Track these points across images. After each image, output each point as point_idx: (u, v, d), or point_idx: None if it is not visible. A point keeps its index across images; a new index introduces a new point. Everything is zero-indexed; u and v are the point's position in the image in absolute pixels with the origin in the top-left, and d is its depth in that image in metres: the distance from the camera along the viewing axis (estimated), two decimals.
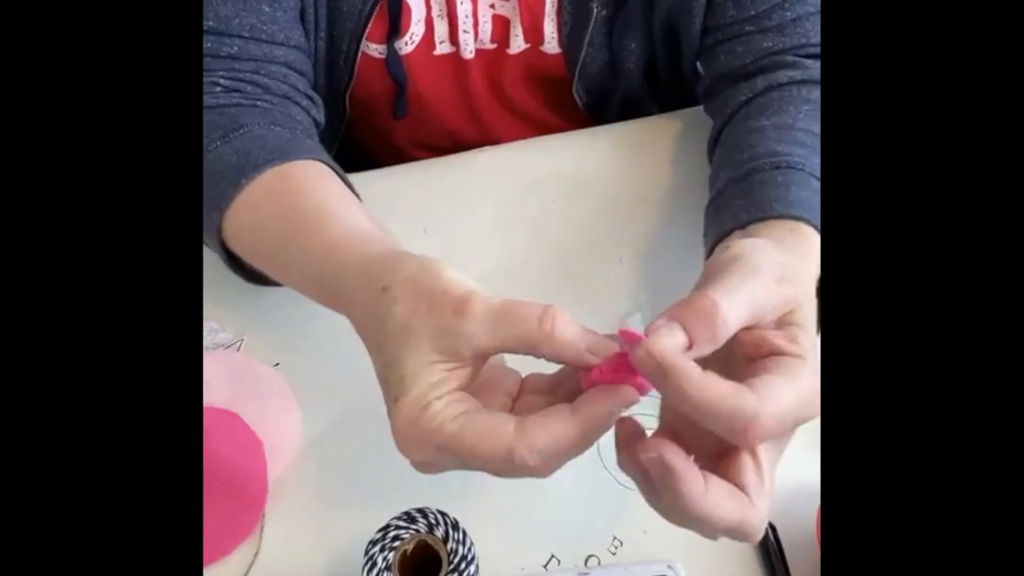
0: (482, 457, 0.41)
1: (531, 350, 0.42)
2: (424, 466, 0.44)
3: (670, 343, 0.39)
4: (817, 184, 0.56)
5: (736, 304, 0.40)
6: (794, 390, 0.39)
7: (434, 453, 0.42)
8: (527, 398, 0.46)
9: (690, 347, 0.39)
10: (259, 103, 0.64)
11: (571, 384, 0.44)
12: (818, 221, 0.52)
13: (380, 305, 0.44)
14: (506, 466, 0.41)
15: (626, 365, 0.42)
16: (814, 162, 0.57)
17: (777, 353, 0.41)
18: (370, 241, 0.51)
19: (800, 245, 0.51)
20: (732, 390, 0.38)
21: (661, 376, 0.39)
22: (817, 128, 0.60)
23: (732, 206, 0.56)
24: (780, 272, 0.42)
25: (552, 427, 0.41)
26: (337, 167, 0.61)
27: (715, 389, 0.38)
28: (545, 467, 0.42)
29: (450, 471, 0.44)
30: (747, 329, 0.41)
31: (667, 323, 0.39)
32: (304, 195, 0.56)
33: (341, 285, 0.49)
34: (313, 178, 0.57)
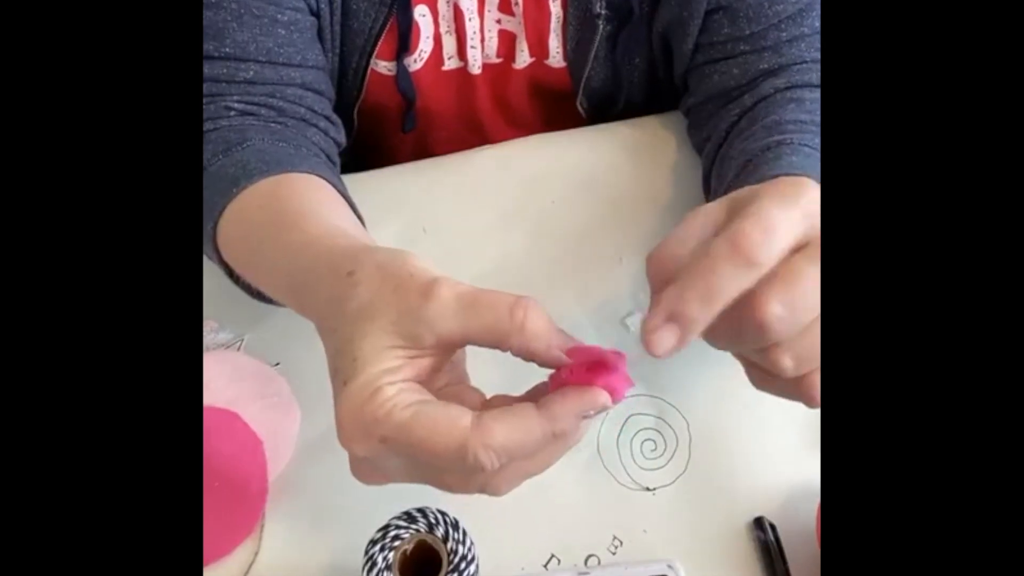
0: (432, 452, 0.38)
1: (498, 341, 0.40)
2: (364, 468, 0.41)
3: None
4: (809, 150, 0.57)
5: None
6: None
7: (378, 446, 0.39)
8: None
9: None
10: (272, 125, 0.64)
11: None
12: (810, 173, 0.52)
13: (342, 289, 0.42)
14: (457, 465, 0.38)
15: (600, 367, 0.40)
16: (804, 138, 0.58)
17: None
18: (343, 236, 0.50)
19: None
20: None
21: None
22: (803, 116, 0.61)
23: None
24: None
25: (513, 423, 0.38)
26: (338, 183, 0.60)
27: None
28: (502, 478, 0.39)
29: (394, 482, 0.41)
30: None
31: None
32: (291, 200, 0.55)
33: (308, 278, 0.46)
34: (304, 187, 0.57)
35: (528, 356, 0.40)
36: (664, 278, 0.41)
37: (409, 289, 0.40)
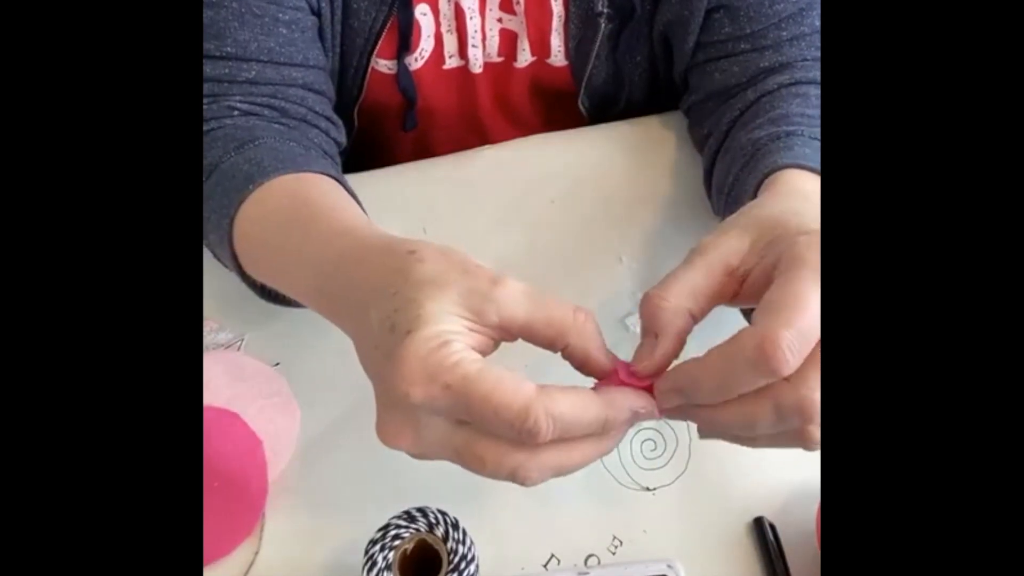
0: (494, 407, 0.38)
1: (557, 336, 0.41)
2: (397, 423, 0.40)
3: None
4: (817, 142, 0.57)
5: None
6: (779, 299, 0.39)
7: (439, 392, 0.38)
8: None
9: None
10: (275, 125, 0.64)
11: None
12: (816, 164, 0.53)
13: (403, 263, 0.42)
14: (512, 428, 0.38)
15: (642, 383, 0.42)
16: (814, 132, 0.58)
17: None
18: (379, 228, 0.50)
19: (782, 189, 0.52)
20: (728, 344, 0.39)
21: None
22: (810, 111, 0.61)
23: (746, 185, 0.57)
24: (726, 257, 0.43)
25: (575, 397, 0.40)
26: (348, 184, 0.60)
27: (714, 357, 0.40)
28: (538, 463, 0.40)
29: (417, 450, 0.41)
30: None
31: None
32: (312, 194, 0.55)
33: (347, 260, 0.46)
34: (323, 187, 0.57)
35: (581, 357, 0.42)
36: (658, 326, 0.42)
37: (478, 274, 0.41)
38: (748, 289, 0.43)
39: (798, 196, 0.49)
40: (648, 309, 0.43)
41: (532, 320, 0.41)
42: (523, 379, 0.39)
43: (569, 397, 0.39)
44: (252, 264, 0.57)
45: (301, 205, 0.54)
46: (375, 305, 0.42)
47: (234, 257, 0.57)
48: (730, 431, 0.42)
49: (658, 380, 0.42)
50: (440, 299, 0.40)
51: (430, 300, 0.40)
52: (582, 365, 0.43)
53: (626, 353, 0.44)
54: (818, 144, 0.57)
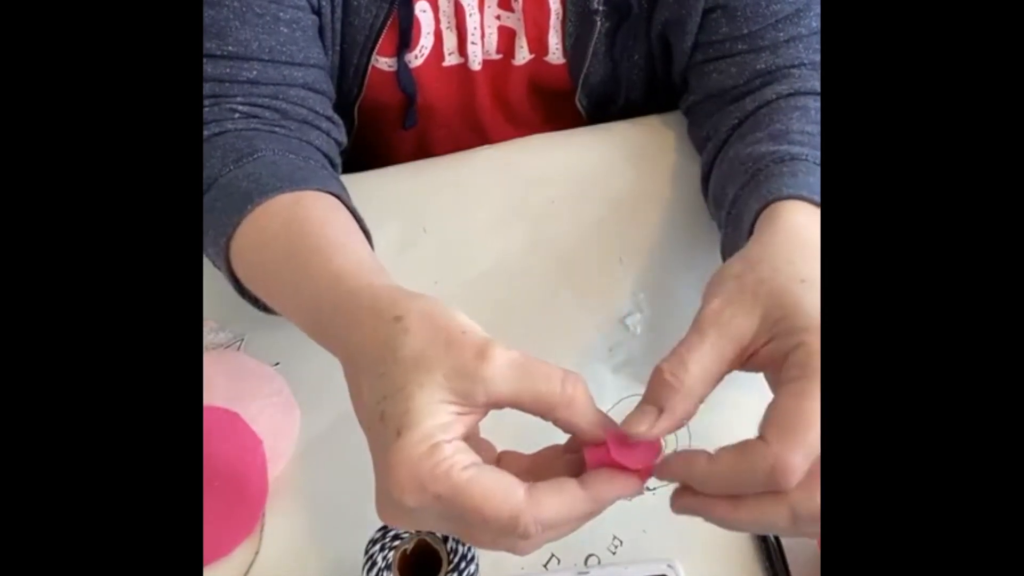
0: (485, 517, 0.39)
1: (546, 411, 0.41)
2: (404, 516, 0.41)
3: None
4: (819, 168, 0.56)
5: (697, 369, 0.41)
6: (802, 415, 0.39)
7: (430, 501, 0.39)
8: None
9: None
10: (277, 129, 0.64)
11: (553, 469, 0.43)
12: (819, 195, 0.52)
13: (390, 334, 0.42)
14: (505, 532, 0.39)
15: (634, 448, 0.42)
16: (815, 154, 0.58)
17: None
18: (377, 273, 0.50)
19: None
20: (740, 456, 0.39)
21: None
22: (810, 128, 0.60)
23: (747, 207, 0.56)
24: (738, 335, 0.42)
25: (563, 500, 0.40)
26: (348, 199, 0.60)
27: (724, 464, 0.39)
28: (532, 544, 0.40)
29: (417, 528, 0.41)
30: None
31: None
32: (310, 223, 0.55)
33: (341, 312, 0.46)
34: (321, 209, 0.57)
35: (569, 429, 0.42)
36: (665, 404, 0.41)
37: (463, 347, 0.40)
38: (753, 365, 0.43)
39: (797, 243, 0.48)
40: (658, 383, 0.42)
41: (519, 397, 0.41)
42: (513, 483, 0.39)
43: (556, 501, 0.40)
44: (249, 283, 0.58)
45: (297, 237, 0.54)
46: (366, 382, 0.42)
47: (232, 274, 0.58)
48: (740, 527, 0.42)
49: (661, 466, 0.41)
50: (427, 386, 0.40)
51: (418, 389, 0.40)
52: (568, 432, 0.43)
53: (627, 352, 0.44)
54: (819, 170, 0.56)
